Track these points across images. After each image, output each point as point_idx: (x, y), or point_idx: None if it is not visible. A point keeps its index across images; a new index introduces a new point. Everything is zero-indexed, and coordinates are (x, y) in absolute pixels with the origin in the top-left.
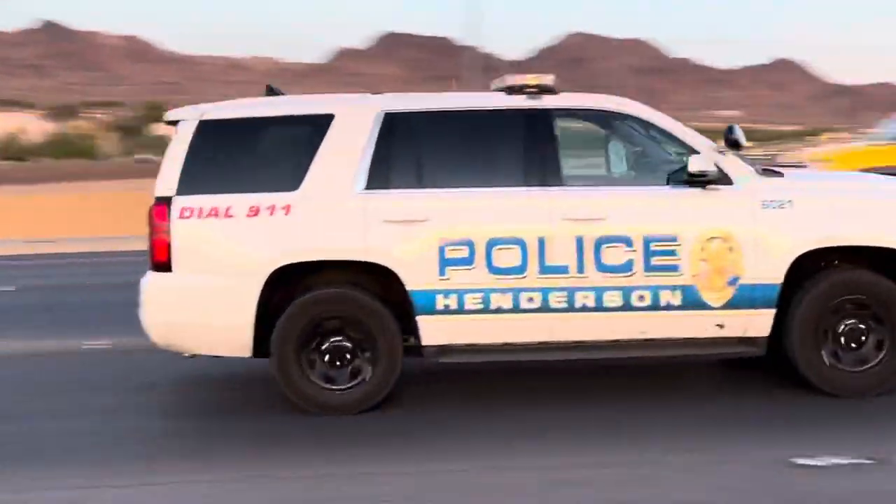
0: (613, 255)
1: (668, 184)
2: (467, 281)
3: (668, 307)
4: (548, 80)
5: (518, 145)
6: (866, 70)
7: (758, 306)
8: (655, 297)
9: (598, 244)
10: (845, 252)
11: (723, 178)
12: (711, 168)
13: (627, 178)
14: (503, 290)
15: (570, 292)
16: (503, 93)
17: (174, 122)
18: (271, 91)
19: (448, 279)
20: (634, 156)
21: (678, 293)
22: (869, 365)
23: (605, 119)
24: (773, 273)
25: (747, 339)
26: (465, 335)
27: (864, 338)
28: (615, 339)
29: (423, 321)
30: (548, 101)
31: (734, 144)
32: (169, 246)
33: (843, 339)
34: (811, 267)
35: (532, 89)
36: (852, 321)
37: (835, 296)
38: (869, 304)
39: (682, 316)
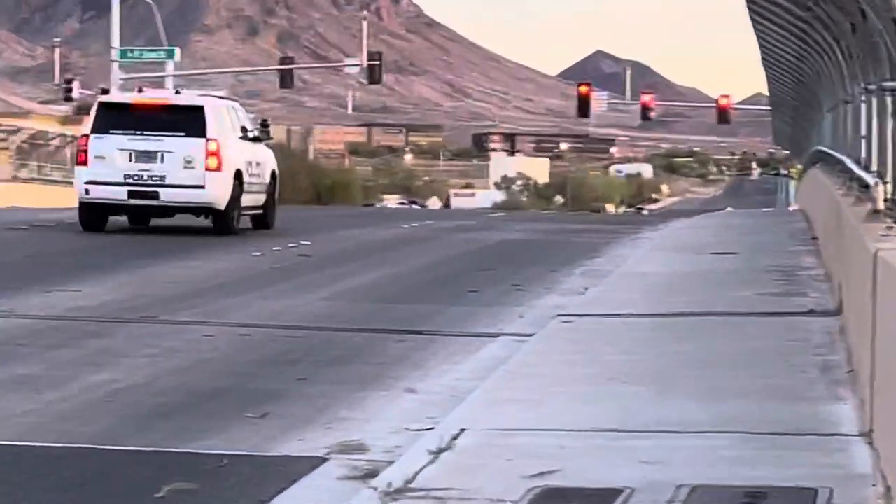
0: (261, 168)
1: (255, 140)
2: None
3: (255, 193)
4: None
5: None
6: None
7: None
8: (261, 187)
9: (248, 163)
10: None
11: (261, 139)
12: (258, 133)
13: (255, 137)
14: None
15: (256, 184)
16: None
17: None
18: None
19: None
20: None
21: (266, 179)
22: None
23: (234, 108)
24: (270, 174)
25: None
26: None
27: None
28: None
29: None
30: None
31: (265, 126)
32: None
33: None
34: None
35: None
36: None
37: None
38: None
39: (258, 194)
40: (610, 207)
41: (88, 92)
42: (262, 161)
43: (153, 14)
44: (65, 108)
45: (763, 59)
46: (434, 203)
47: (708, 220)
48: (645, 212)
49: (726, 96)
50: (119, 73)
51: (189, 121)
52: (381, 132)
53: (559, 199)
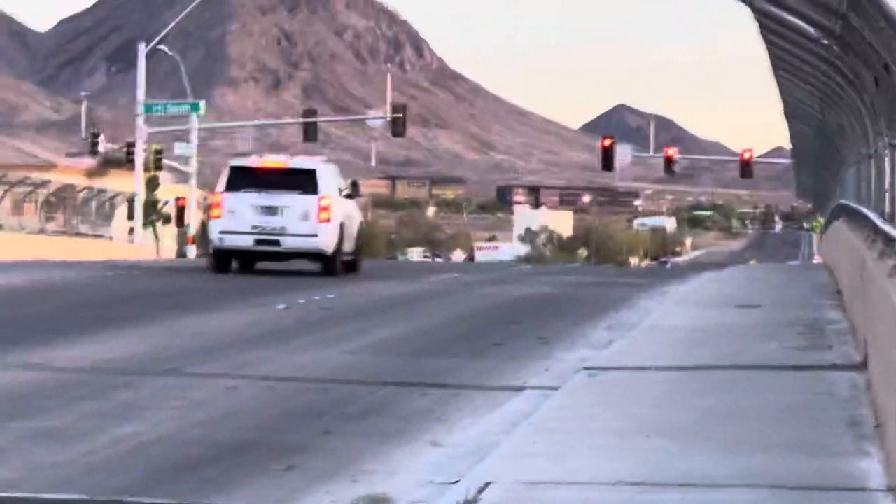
0: (351, 221)
1: (348, 197)
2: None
3: (351, 242)
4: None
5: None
6: None
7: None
8: (354, 237)
9: (345, 216)
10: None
11: (352, 196)
12: (349, 192)
13: (348, 195)
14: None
15: (351, 234)
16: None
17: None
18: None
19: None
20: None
21: (355, 231)
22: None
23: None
24: (359, 226)
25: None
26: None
27: None
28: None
29: None
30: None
31: (355, 186)
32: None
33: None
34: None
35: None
36: None
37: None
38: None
39: (352, 242)
40: (634, 260)
41: (114, 146)
42: (355, 215)
43: (179, 68)
44: (91, 162)
45: (785, 113)
46: (458, 256)
47: (732, 273)
48: (668, 265)
49: (748, 150)
50: (144, 126)
51: (304, 181)
52: (405, 185)
53: (583, 252)
